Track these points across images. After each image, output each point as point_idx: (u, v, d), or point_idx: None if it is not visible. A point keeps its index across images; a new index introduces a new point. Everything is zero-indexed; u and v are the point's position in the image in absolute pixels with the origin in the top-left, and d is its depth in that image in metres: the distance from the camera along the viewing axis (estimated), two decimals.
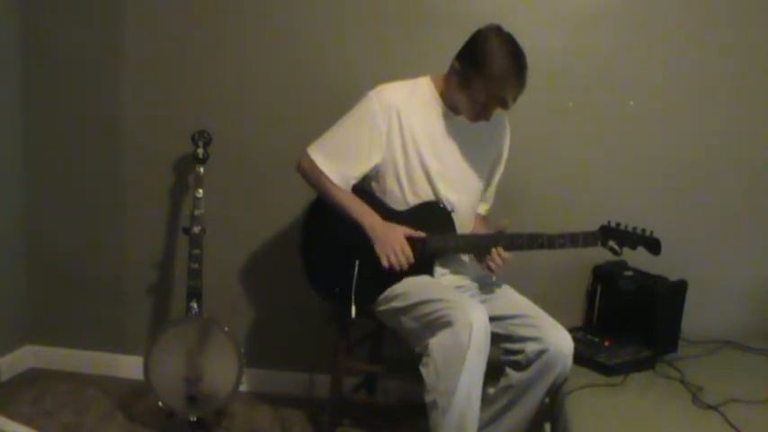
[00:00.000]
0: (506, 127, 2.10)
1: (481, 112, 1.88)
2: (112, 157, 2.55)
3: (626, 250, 1.92)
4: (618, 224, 1.90)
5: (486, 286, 2.02)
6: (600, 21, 2.29)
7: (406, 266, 1.89)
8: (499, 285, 2.03)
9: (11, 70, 2.50)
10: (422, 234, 1.91)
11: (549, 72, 2.16)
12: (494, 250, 1.88)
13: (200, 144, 2.28)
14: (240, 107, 2.46)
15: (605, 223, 1.92)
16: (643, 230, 1.89)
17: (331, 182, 1.92)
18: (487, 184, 2.13)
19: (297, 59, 2.40)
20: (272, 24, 2.41)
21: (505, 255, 1.89)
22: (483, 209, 2.20)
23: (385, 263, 1.88)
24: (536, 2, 2.29)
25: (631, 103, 2.31)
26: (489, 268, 1.93)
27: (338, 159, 1.92)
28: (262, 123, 2.46)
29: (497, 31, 1.83)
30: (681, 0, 2.26)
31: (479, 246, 1.93)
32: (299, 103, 2.42)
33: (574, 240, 1.89)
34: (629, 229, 1.90)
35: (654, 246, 1.87)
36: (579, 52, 2.30)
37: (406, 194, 1.96)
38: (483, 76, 1.79)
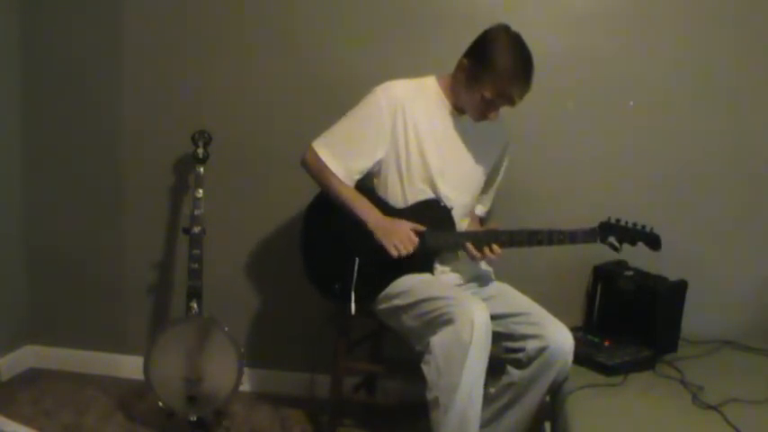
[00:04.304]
0: (508, 135, 2.11)
1: (487, 110, 1.89)
2: (112, 157, 2.55)
3: (626, 247, 1.92)
4: (617, 220, 1.91)
5: (486, 285, 2.02)
6: (600, 21, 2.29)
7: (411, 251, 1.88)
8: (499, 284, 2.04)
9: (11, 70, 2.50)
10: (422, 228, 1.92)
11: (550, 72, 2.15)
12: (486, 248, 1.90)
13: (200, 144, 2.28)
14: (240, 107, 2.46)
15: (605, 220, 1.92)
16: (643, 226, 1.89)
17: (335, 176, 1.92)
18: (487, 186, 2.14)
19: (297, 59, 2.40)
20: (271, 24, 2.41)
21: (499, 250, 1.90)
22: (480, 210, 2.22)
23: (393, 252, 1.87)
24: (536, 2, 2.29)
25: (631, 103, 2.31)
26: (473, 257, 1.93)
27: (342, 154, 1.93)
28: (262, 123, 2.46)
29: (506, 29, 1.86)
30: (681, 0, 2.27)
31: (479, 242, 1.94)
32: (298, 102, 2.42)
33: (573, 237, 1.90)
34: (629, 224, 1.90)
35: (653, 241, 1.88)
36: (579, 52, 2.31)
37: (405, 191, 1.96)
38: (492, 72, 1.81)
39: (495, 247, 1.89)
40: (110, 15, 2.46)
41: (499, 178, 2.18)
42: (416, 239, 1.89)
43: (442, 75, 1.99)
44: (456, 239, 1.96)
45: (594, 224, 1.92)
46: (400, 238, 1.88)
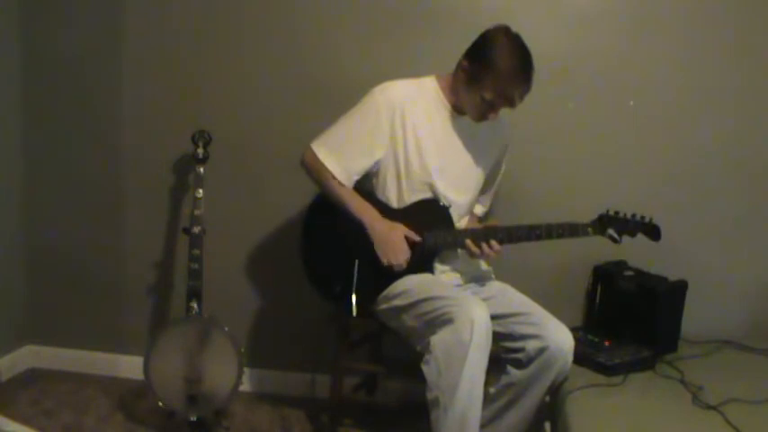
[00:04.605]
0: (509, 132, 2.11)
1: (487, 111, 1.89)
2: (112, 157, 2.54)
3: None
4: (616, 212, 1.91)
5: (486, 285, 2.02)
6: (601, 21, 2.29)
7: (404, 267, 1.90)
8: (499, 284, 2.04)
9: (11, 71, 2.50)
10: (418, 238, 1.92)
11: (550, 72, 2.16)
12: (484, 244, 1.89)
13: (201, 144, 2.28)
14: (240, 107, 2.46)
15: (604, 212, 1.92)
16: (642, 217, 1.90)
17: (333, 176, 1.92)
18: (486, 186, 2.14)
19: (296, 60, 2.40)
20: (271, 25, 2.41)
21: (498, 247, 1.90)
22: (479, 210, 2.22)
23: (385, 261, 1.90)
24: (537, 2, 2.30)
25: (631, 103, 2.31)
26: (472, 254, 1.92)
27: (341, 154, 1.93)
28: (262, 123, 2.46)
29: (506, 30, 1.87)
30: (681, 1, 2.26)
31: (477, 239, 1.93)
32: (298, 103, 2.42)
33: (573, 229, 1.90)
34: (628, 216, 1.90)
35: (653, 231, 1.88)
36: (579, 52, 2.31)
37: (404, 191, 1.96)
38: (492, 73, 1.82)
39: (494, 243, 1.89)
40: (110, 15, 2.46)
41: (498, 179, 2.18)
42: (409, 253, 1.90)
43: (441, 75, 1.99)
44: (455, 237, 1.96)
45: (594, 216, 1.92)
46: (394, 249, 1.89)
